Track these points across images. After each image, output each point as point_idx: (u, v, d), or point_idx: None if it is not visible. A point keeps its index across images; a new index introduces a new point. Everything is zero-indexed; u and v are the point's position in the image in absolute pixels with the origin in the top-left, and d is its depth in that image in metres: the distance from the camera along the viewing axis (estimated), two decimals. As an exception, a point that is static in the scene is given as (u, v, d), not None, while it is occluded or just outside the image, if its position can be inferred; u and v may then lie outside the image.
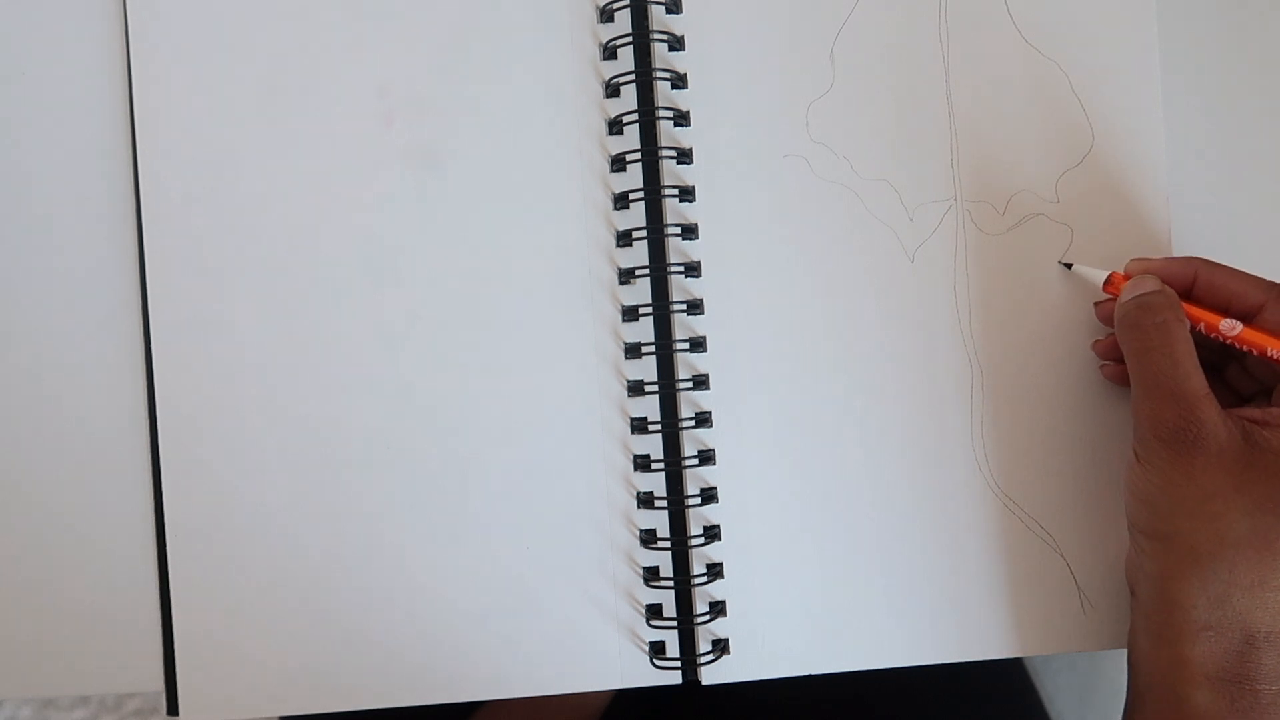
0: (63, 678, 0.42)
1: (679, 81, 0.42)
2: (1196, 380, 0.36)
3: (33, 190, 0.42)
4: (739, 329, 0.42)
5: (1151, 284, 0.38)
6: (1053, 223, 0.42)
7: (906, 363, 0.42)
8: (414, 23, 0.42)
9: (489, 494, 0.42)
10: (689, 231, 0.41)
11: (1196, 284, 0.39)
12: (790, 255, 0.42)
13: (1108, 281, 0.40)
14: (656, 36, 0.41)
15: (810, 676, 0.42)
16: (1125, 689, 0.38)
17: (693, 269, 0.42)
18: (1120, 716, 0.39)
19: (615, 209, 0.42)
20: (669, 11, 0.42)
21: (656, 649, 0.41)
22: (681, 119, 0.42)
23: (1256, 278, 0.38)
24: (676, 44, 0.42)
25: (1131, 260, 0.40)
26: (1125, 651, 0.39)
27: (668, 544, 0.41)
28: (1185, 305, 0.38)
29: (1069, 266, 0.42)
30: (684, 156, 0.41)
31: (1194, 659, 0.35)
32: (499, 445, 0.42)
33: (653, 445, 0.41)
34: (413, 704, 0.41)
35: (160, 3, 0.42)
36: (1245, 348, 0.38)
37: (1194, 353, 0.37)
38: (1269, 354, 0.37)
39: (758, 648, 0.41)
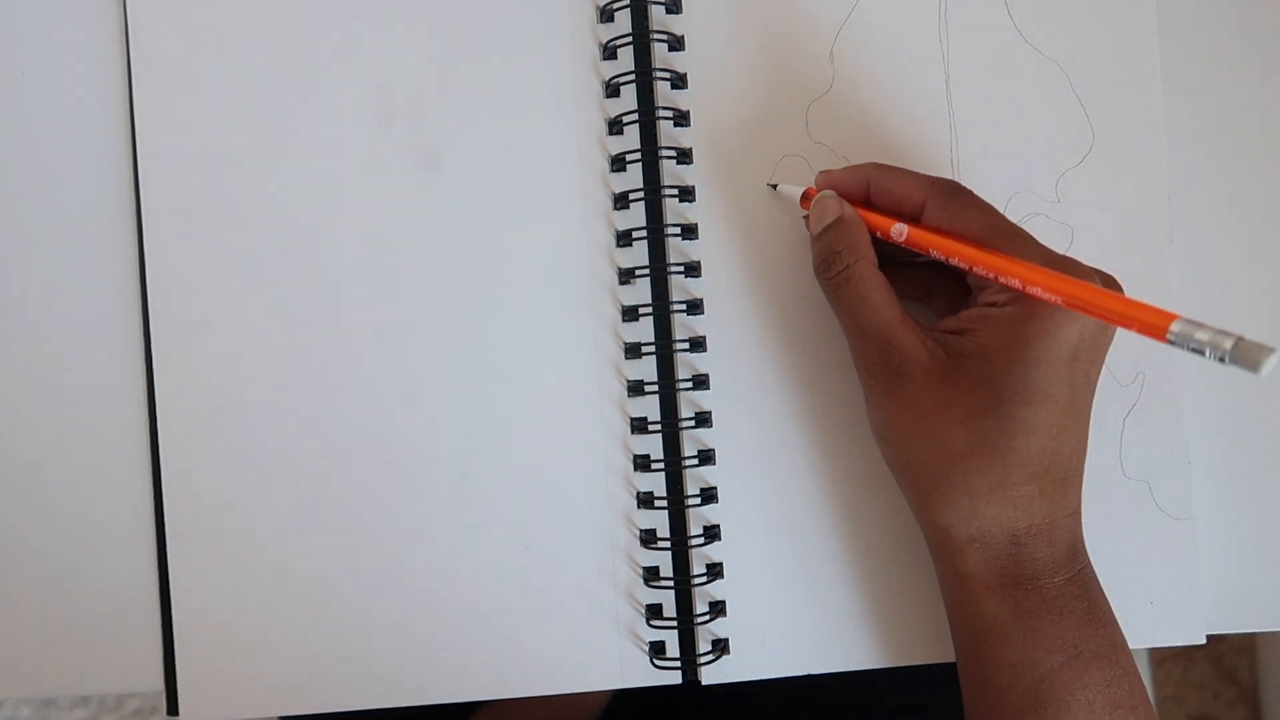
0: (63, 678, 0.42)
1: (679, 81, 0.42)
2: (888, 311, 0.37)
3: (33, 190, 0.42)
4: (739, 329, 0.42)
5: (834, 207, 0.38)
6: (1053, 223, 0.42)
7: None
8: (414, 23, 0.42)
9: (489, 494, 0.42)
10: (689, 231, 0.41)
11: (871, 190, 0.39)
12: (790, 255, 0.42)
13: (804, 198, 0.40)
14: (656, 36, 0.41)
15: (810, 676, 0.42)
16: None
17: (693, 269, 0.42)
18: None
19: (615, 209, 0.42)
20: (669, 11, 0.42)
21: (656, 649, 0.41)
22: (681, 119, 0.42)
23: (919, 175, 0.38)
24: (676, 44, 0.42)
25: (819, 173, 0.40)
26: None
27: (668, 544, 0.41)
28: (863, 213, 0.38)
29: (774, 187, 0.42)
30: (684, 156, 0.41)
31: (971, 573, 0.36)
32: (499, 445, 0.42)
33: (653, 445, 0.41)
34: (413, 704, 0.41)
35: (160, 2, 0.42)
36: (915, 249, 0.37)
37: (882, 284, 0.37)
38: (931, 254, 0.37)
39: (758, 648, 0.41)
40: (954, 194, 0.37)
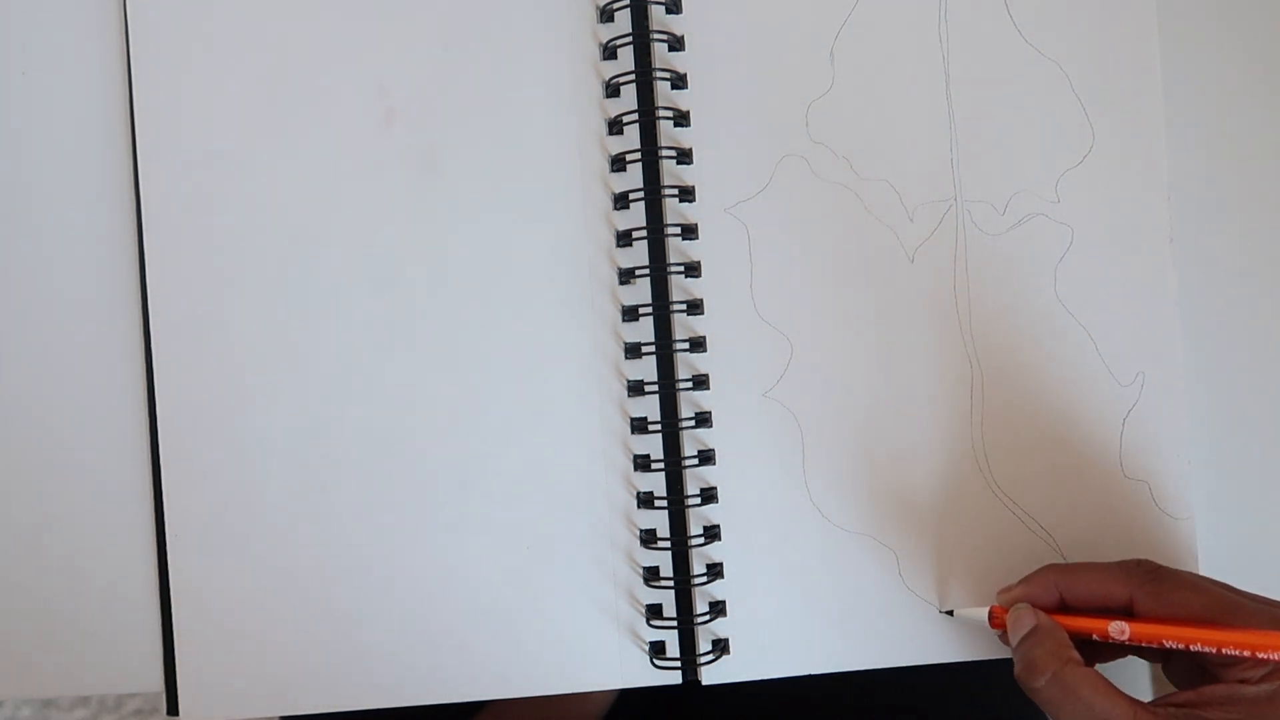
0: (63, 678, 0.42)
1: (679, 81, 0.42)
2: (1117, 711, 0.35)
3: (33, 190, 0.42)
4: (739, 329, 0.42)
5: (1028, 618, 0.38)
6: (1053, 222, 0.42)
7: (906, 363, 0.42)
8: (414, 23, 0.42)
9: (489, 494, 0.42)
10: (689, 231, 0.41)
11: (1062, 594, 0.38)
12: (790, 255, 0.42)
13: (991, 618, 0.40)
14: (656, 36, 0.41)
15: (811, 676, 0.42)
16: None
17: (693, 269, 0.42)
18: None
19: (615, 209, 0.42)
20: (669, 11, 0.42)
21: (656, 649, 0.41)
22: (681, 119, 0.42)
23: (1108, 567, 0.38)
24: (676, 44, 0.42)
25: (999, 593, 0.40)
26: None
27: (668, 544, 0.41)
28: (1068, 620, 0.37)
29: (950, 613, 0.41)
30: (684, 156, 0.41)
31: None
32: (499, 445, 0.42)
33: (653, 445, 0.41)
34: (413, 704, 0.41)
35: (160, 2, 0.42)
36: (1143, 643, 0.36)
37: (1099, 682, 0.35)
38: (1165, 644, 0.35)
39: (758, 648, 0.41)
40: (1159, 577, 0.36)
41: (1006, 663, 0.39)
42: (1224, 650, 0.34)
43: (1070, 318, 0.42)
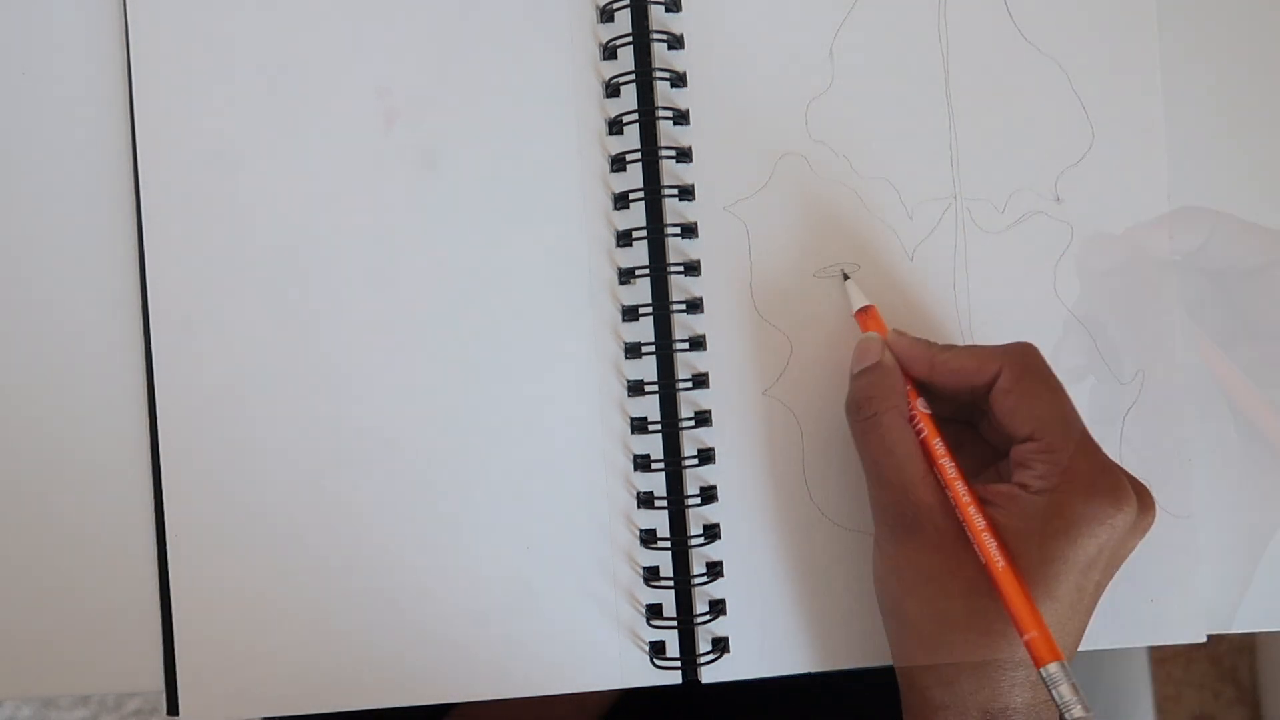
0: (63, 678, 0.42)
1: (679, 81, 0.42)
2: (910, 467, 0.36)
3: (33, 190, 0.42)
4: (739, 328, 0.42)
5: (874, 353, 0.38)
6: (1053, 221, 0.42)
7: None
8: (414, 23, 0.42)
9: (489, 494, 0.42)
10: (689, 231, 0.41)
11: (934, 368, 0.38)
12: (790, 254, 0.42)
13: (860, 311, 0.40)
14: (656, 36, 0.41)
15: (810, 676, 0.42)
16: (1111, 692, 0.38)
17: (693, 268, 0.42)
18: (1117, 715, 0.39)
19: (615, 209, 0.42)
20: (669, 11, 0.42)
21: (656, 649, 0.41)
22: (681, 119, 0.42)
23: (987, 348, 0.38)
24: (676, 44, 0.42)
25: (890, 330, 0.40)
26: (1124, 650, 0.39)
27: (668, 544, 0.41)
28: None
29: (847, 277, 0.42)
30: (684, 156, 0.41)
31: None
32: (499, 445, 0.42)
33: (653, 445, 0.41)
34: (413, 704, 0.41)
35: (160, 2, 0.42)
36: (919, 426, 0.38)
37: (909, 437, 0.37)
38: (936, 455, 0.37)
39: (758, 647, 0.41)
40: (1028, 368, 0.37)
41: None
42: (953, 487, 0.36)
43: (1070, 316, 0.42)
